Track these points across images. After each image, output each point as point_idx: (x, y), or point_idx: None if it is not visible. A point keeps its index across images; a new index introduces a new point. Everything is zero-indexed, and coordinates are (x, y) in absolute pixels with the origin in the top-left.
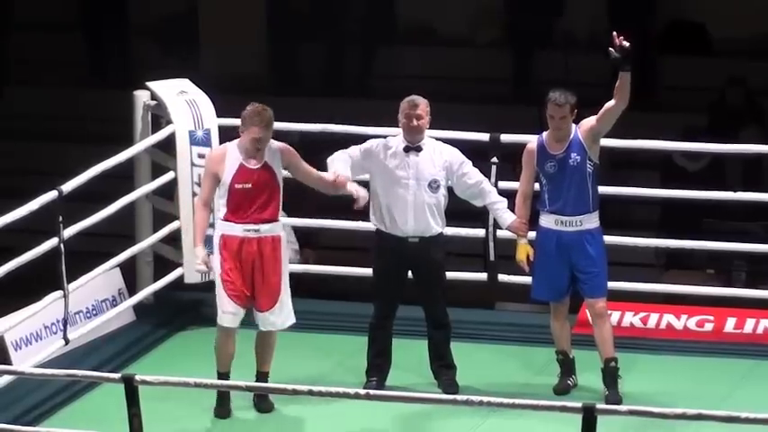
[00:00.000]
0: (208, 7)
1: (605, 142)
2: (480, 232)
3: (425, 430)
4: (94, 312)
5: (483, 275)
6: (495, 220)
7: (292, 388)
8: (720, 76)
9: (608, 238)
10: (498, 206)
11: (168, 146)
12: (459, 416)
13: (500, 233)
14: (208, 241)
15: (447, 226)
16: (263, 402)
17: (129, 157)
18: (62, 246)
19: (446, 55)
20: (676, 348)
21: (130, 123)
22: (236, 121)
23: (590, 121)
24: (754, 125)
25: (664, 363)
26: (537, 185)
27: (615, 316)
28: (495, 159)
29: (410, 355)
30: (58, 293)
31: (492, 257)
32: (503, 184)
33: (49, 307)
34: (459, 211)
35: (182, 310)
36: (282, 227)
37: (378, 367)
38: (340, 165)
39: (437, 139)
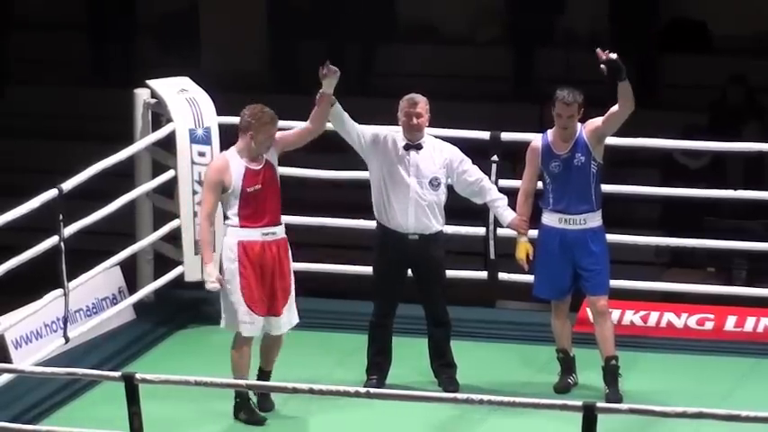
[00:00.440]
0: (208, 5)
1: (607, 140)
2: (480, 230)
3: (426, 429)
4: (95, 310)
5: (483, 274)
6: (495, 217)
7: (293, 386)
8: (721, 75)
9: (608, 237)
10: (499, 203)
11: (168, 144)
12: (460, 414)
13: (500, 231)
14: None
15: (447, 224)
16: (265, 402)
17: (130, 156)
18: (62, 244)
19: (446, 53)
20: (677, 347)
21: (131, 122)
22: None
23: (595, 122)
24: (755, 122)
25: (664, 361)
26: (539, 183)
27: (615, 314)
28: (495, 158)
29: (410, 353)
30: (59, 292)
31: (492, 256)
32: (503, 183)
33: (49, 305)
34: (459, 209)
35: (182, 308)
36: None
37: (378, 365)
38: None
39: (437, 137)
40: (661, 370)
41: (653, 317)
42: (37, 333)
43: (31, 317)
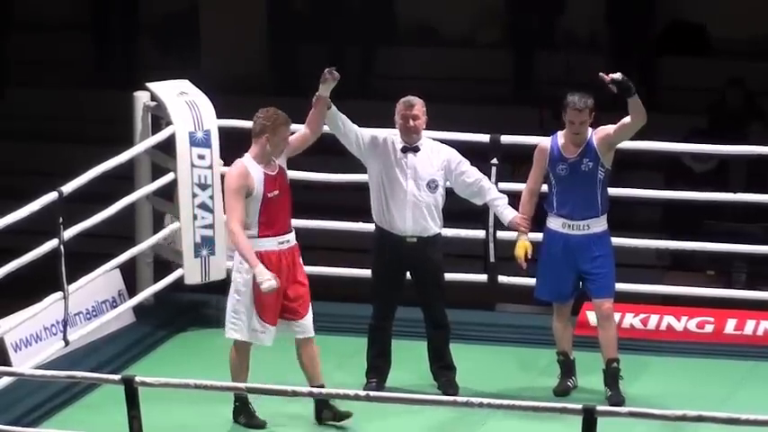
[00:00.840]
0: (208, 7)
1: None
2: (480, 233)
3: None
4: (94, 313)
5: (483, 277)
6: (495, 220)
7: (292, 389)
8: (720, 77)
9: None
10: (499, 203)
11: (168, 147)
12: (459, 417)
13: (500, 234)
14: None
15: (446, 227)
16: (324, 410)
17: (130, 158)
18: (62, 247)
19: (446, 55)
20: (676, 350)
21: (130, 124)
22: (236, 123)
23: (607, 130)
24: (758, 123)
25: (664, 364)
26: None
27: (615, 317)
28: (494, 161)
29: (410, 356)
30: (58, 295)
31: (492, 259)
32: (502, 186)
33: (49, 308)
34: (459, 212)
35: (182, 311)
36: None
37: (377, 368)
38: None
39: (436, 140)
40: (661, 373)
41: (653, 320)
42: (36, 336)
43: (31, 320)
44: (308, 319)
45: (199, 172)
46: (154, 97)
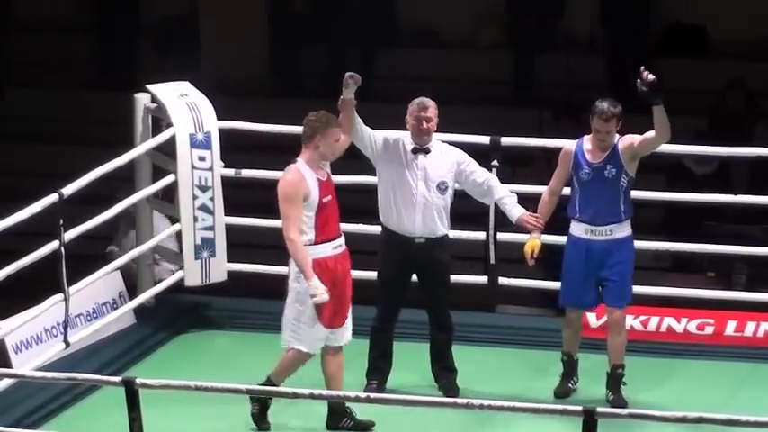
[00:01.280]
0: (209, 9)
1: None
2: (481, 235)
3: None
4: (95, 315)
5: (484, 278)
6: (495, 222)
7: (293, 391)
8: (720, 79)
9: None
10: (507, 200)
11: (169, 149)
12: (460, 419)
13: (501, 236)
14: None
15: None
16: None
17: (130, 160)
18: (63, 248)
19: (447, 57)
20: (676, 351)
21: (131, 126)
22: (237, 124)
23: (632, 140)
24: (763, 123)
25: (664, 366)
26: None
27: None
28: (495, 162)
29: (411, 358)
30: (59, 296)
31: (493, 260)
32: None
33: (49, 310)
34: (459, 213)
35: (182, 312)
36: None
37: (379, 370)
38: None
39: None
40: (661, 374)
41: (653, 321)
42: (37, 338)
43: (32, 321)
44: (347, 327)
45: (199, 174)
46: (154, 99)
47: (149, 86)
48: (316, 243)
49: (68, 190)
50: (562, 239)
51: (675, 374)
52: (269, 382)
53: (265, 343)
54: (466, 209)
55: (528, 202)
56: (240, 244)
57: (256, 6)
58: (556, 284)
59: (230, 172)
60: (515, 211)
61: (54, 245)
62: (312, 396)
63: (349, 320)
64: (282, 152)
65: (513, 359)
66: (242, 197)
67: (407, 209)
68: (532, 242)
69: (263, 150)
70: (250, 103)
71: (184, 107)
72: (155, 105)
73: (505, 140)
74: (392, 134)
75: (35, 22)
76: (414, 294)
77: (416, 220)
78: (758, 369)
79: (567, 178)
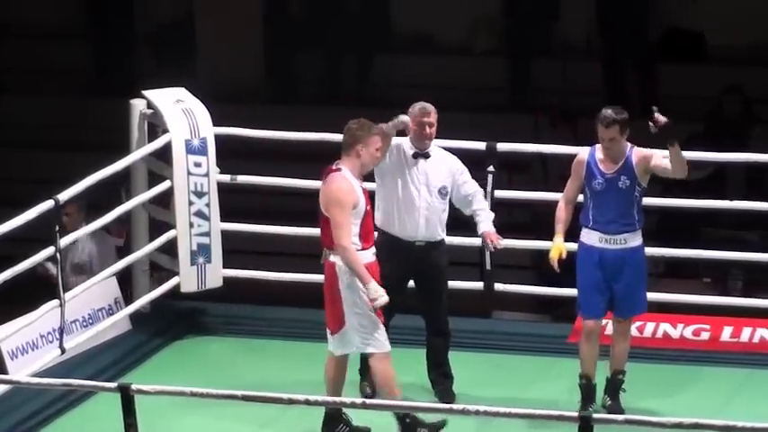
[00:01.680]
0: (205, 15)
1: None
2: (477, 241)
3: None
4: (91, 321)
5: (480, 284)
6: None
7: (288, 397)
8: (718, 85)
9: None
10: (482, 213)
11: (165, 154)
12: (456, 425)
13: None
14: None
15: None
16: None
17: (126, 166)
18: (58, 254)
19: (443, 63)
20: (672, 357)
21: (127, 132)
22: (233, 130)
23: (646, 155)
24: (760, 126)
25: (660, 372)
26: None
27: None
28: (491, 168)
29: (407, 364)
30: (55, 302)
31: (488, 266)
32: (499, 193)
33: (45, 316)
34: (455, 219)
35: (178, 318)
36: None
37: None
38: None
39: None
40: (657, 380)
41: (649, 327)
42: (33, 344)
43: (27, 327)
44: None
45: (195, 180)
46: (150, 105)
47: (145, 92)
48: (360, 250)
49: (64, 196)
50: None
51: (671, 380)
52: (391, 398)
53: (261, 349)
54: (462, 215)
55: (524, 208)
56: (236, 250)
57: (252, 12)
58: (552, 290)
59: (226, 178)
60: (484, 225)
61: (50, 251)
62: (308, 402)
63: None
64: (278, 158)
65: (509, 365)
66: (238, 203)
67: (410, 214)
68: (558, 247)
69: (259, 156)
70: (246, 109)
71: (180, 113)
72: (151, 111)
73: (501, 146)
74: (399, 142)
75: (31, 28)
76: (410, 300)
77: (420, 225)
78: (754, 375)
79: (581, 187)
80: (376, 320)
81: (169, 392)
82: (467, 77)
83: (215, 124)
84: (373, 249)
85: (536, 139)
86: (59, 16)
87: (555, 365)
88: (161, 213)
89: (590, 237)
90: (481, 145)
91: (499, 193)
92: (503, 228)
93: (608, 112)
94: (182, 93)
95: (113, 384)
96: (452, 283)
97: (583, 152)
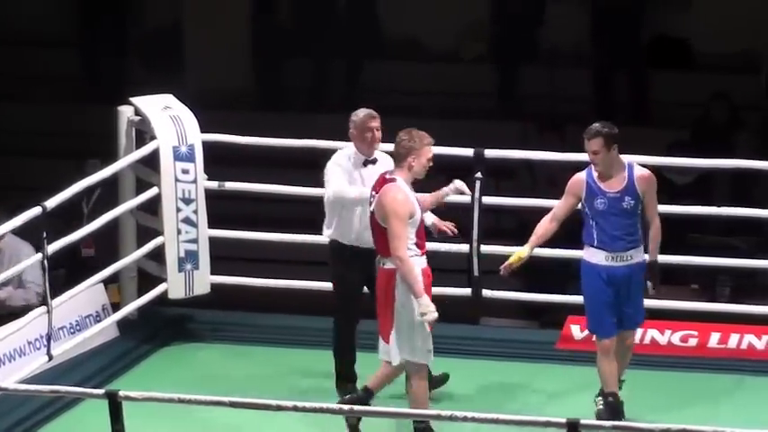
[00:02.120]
0: (193, 22)
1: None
2: (464, 248)
3: None
4: (78, 328)
5: (467, 291)
6: (479, 234)
7: (276, 404)
8: (705, 91)
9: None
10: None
11: (152, 161)
12: (443, 431)
13: (485, 249)
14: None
15: (430, 241)
16: None
17: (114, 173)
18: (46, 261)
19: (431, 69)
20: (660, 363)
21: (115, 139)
22: (221, 137)
23: (647, 178)
24: (744, 133)
25: (647, 378)
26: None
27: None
28: (479, 174)
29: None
30: (42, 309)
31: (476, 273)
32: (487, 200)
33: (32, 323)
34: None
35: (165, 325)
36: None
37: (353, 377)
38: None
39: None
40: (645, 387)
41: (637, 333)
42: (20, 351)
43: (15, 334)
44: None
45: (183, 186)
46: (138, 112)
47: (133, 99)
48: (414, 256)
49: (51, 203)
50: (543, 252)
51: (659, 387)
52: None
53: (249, 356)
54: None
55: (511, 214)
56: (224, 257)
57: (241, 19)
58: (539, 297)
59: (214, 184)
60: (427, 218)
61: (37, 257)
62: (296, 408)
63: None
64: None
65: (496, 371)
66: (226, 210)
67: (365, 222)
68: (518, 254)
69: (247, 163)
70: (234, 116)
71: (168, 120)
72: (138, 118)
73: (489, 153)
74: (340, 158)
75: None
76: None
77: None
78: (742, 381)
79: (574, 206)
80: (426, 332)
81: (157, 399)
82: (455, 84)
83: (203, 131)
84: (425, 257)
85: (524, 146)
86: (49, 24)
87: (543, 371)
88: (149, 220)
89: (595, 256)
90: (469, 151)
91: (487, 200)
92: (490, 234)
93: (594, 125)
94: (169, 99)
95: (101, 391)
96: (440, 290)
97: (580, 173)
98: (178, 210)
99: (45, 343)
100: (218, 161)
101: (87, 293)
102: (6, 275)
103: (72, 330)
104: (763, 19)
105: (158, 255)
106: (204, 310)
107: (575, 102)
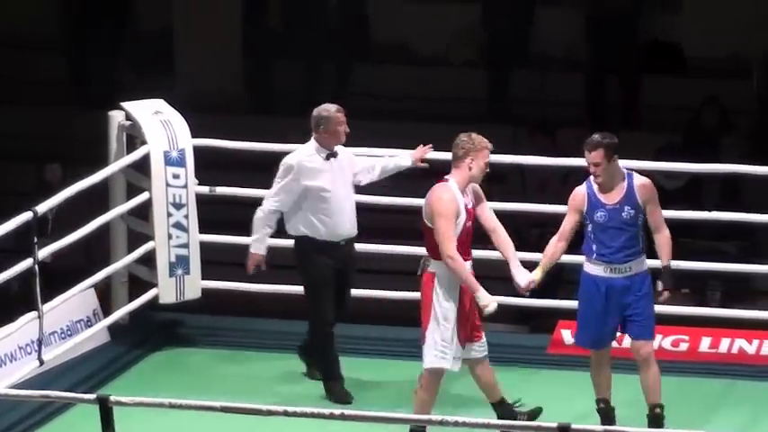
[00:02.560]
0: (183, 27)
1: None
2: None
3: None
4: (69, 333)
5: None
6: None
7: (267, 408)
8: (697, 96)
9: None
10: (391, 160)
11: (143, 166)
12: None
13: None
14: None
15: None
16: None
17: (104, 178)
18: (37, 266)
19: (421, 73)
20: None
21: (105, 144)
22: (211, 142)
23: (647, 185)
24: (733, 137)
25: (639, 383)
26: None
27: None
28: None
29: (385, 375)
30: (33, 314)
31: None
32: None
33: (23, 327)
34: None
35: (156, 330)
36: None
37: (341, 377)
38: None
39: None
40: (635, 391)
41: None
42: (11, 355)
43: (6, 339)
44: (484, 337)
45: (173, 191)
46: (129, 117)
47: (124, 104)
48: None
49: (42, 208)
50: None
51: None
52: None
53: (240, 360)
54: None
55: (502, 218)
56: (215, 261)
57: (231, 23)
58: (530, 302)
59: (204, 189)
60: (403, 160)
61: (28, 262)
62: (287, 413)
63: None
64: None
65: None
66: (216, 214)
67: (337, 215)
68: (533, 277)
69: (238, 167)
70: (225, 121)
71: (159, 124)
72: (129, 123)
73: None
74: (291, 162)
75: (9, 38)
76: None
77: (346, 222)
78: (733, 386)
79: (578, 222)
80: (453, 338)
81: (148, 404)
82: (446, 88)
83: (194, 135)
84: (469, 264)
85: (515, 151)
86: (39, 27)
87: (533, 376)
88: (139, 225)
89: (595, 268)
90: None
91: None
92: (481, 238)
93: (594, 135)
94: (160, 104)
95: (92, 396)
96: None
97: (579, 187)
98: (169, 215)
99: (36, 348)
100: (209, 166)
101: (78, 298)
102: None
103: (63, 335)
104: (753, 23)
105: (149, 260)
106: (195, 314)
107: (566, 106)
